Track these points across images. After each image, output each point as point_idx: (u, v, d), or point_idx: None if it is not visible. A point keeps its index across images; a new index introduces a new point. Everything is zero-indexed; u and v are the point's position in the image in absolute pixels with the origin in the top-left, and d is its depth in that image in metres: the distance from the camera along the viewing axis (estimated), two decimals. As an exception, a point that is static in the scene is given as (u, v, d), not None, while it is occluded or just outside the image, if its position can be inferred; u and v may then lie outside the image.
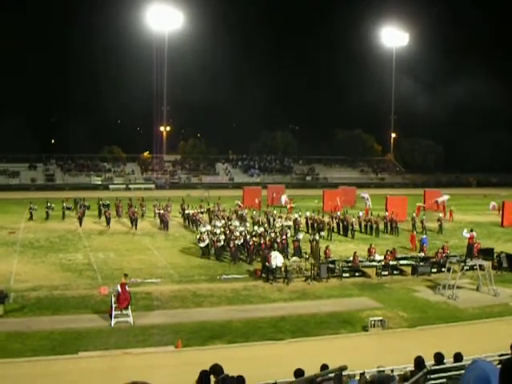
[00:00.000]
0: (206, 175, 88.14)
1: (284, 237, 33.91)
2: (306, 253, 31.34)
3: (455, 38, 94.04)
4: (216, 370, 8.78)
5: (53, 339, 19.65)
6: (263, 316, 22.80)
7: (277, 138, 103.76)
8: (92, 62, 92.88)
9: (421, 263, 30.48)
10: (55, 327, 20.81)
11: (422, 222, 43.09)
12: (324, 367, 10.32)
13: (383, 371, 11.96)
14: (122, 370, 17.21)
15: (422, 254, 32.07)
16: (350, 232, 41.32)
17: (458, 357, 11.46)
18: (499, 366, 3.81)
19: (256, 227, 36.67)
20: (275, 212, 45.20)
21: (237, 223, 38.41)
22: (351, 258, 30.04)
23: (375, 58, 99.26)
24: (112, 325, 21.07)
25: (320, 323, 22.11)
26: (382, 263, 29.83)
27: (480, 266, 27.63)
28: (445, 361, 11.26)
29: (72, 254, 34.23)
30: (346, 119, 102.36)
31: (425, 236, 35.64)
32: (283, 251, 32.32)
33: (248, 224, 39.25)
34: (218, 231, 34.87)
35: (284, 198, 52.93)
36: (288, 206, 49.78)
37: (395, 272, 29.99)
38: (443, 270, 28.53)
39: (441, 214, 46.06)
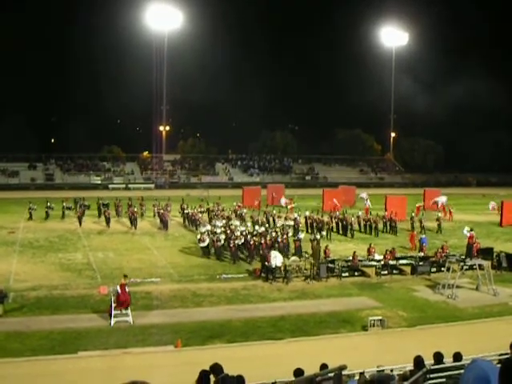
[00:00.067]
0: (205, 175, 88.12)
1: (285, 236, 33.91)
2: (306, 252, 31.38)
3: (455, 37, 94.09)
4: (216, 369, 8.79)
5: (52, 339, 19.65)
6: (263, 315, 22.80)
7: (276, 138, 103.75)
8: (92, 62, 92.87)
9: (420, 263, 30.49)
10: (54, 327, 20.80)
11: (420, 221, 43.12)
12: (323, 367, 10.32)
13: (383, 371, 11.96)
14: (122, 369, 17.21)
15: (422, 254, 32.10)
16: (349, 232, 41.34)
17: (457, 356, 11.47)
18: (499, 366, 3.81)
19: (257, 227, 36.69)
20: (275, 212, 45.19)
21: (237, 223, 38.43)
22: (351, 258, 30.05)
23: (375, 58, 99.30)
24: (111, 324, 21.07)
25: (319, 323, 22.11)
26: (382, 263, 29.84)
27: (479, 265, 27.64)
28: (444, 360, 11.27)
29: (71, 253, 34.23)
30: (346, 119, 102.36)
31: (424, 236, 35.66)
32: (284, 251, 32.34)
33: (249, 224, 39.22)
34: (218, 231, 34.89)
35: (284, 200, 52.97)
36: (289, 207, 49.76)
37: (395, 271, 30.00)
38: (443, 269, 28.55)
39: (440, 214, 46.05)
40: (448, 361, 11.41)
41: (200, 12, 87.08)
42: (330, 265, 29.25)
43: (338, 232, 42.20)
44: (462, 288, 27.14)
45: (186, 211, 45.20)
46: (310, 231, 40.03)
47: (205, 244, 33.43)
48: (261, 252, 30.97)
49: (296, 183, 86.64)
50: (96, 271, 29.72)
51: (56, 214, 46.91)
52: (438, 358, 11.20)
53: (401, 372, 11.11)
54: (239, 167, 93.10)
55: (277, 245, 32.85)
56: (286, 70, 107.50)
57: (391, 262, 30.09)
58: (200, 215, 43.58)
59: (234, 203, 48.84)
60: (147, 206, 48.37)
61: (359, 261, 30.06)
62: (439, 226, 43.41)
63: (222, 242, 33.22)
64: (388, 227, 43.29)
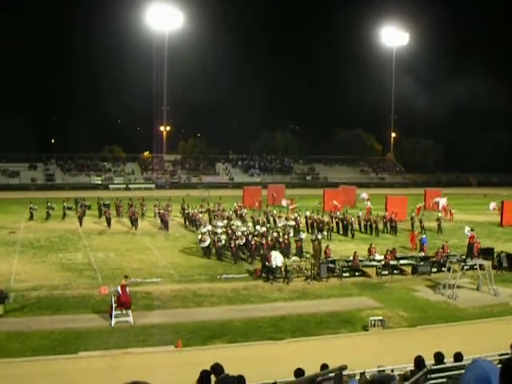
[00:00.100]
0: (206, 175, 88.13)
1: (286, 236, 33.93)
2: (307, 252, 31.39)
3: (455, 37, 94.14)
4: (217, 369, 8.80)
5: (53, 339, 19.65)
6: (263, 316, 22.80)
7: (277, 138, 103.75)
8: (92, 62, 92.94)
9: (421, 263, 30.49)
10: (55, 327, 20.81)
11: (420, 221, 43.16)
12: (324, 367, 10.33)
13: (383, 371, 11.96)
14: (122, 369, 17.22)
15: (422, 254, 32.10)
16: (349, 232, 41.34)
17: (458, 356, 11.46)
18: (499, 366, 3.81)
19: (258, 227, 36.69)
20: (275, 212, 45.18)
21: (239, 223, 38.44)
22: (351, 258, 30.05)
23: (375, 58, 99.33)
24: (112, 324, 21.07)
25: (320, 323, 22.11)
26: (382, 263, 29.84)
27: (480, 265, 27.65)
28: (445, 360, 11.26)
29: (72, 253, 34.24)
30: (346, 119, 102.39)
31: (424, 236, 35.65)
32: (285, 251, 32.36)
33: (250, 224, 39.21)
34: (219, 231, 34.90)
35: (285, 202, 53.07)
36: (290, 207, 49.76)
37: (395, 272, 30.00)
38: (443, 269, 28.55)
39: (440, 214, 46.03)
40: (449, 361, 11.40)
41: (200, 12, 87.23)
42: (330, 265, 29.24)
43: (338, 232, 42.21)
44: (462, 288, 27.13)
45: (186, 211, 45.23)
46: (310, 231, 40.07)
47: (206, 244, 33.43)
48: (262, 252, 30.96)
49: (297, 183, 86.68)
50: (97, 271, 29.73)
51: (57, 214, 46.92)
52: (439, 358, 11.19)
53: (401, 372, 11.11)
54: (240, 167, 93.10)
55: (278, 245, 32.87)
56: (286, 69, 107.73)
57: (392, 262, 30.08)
58: (200, 215, 43.59)
59: (235, 203, 48.84)
60: (148, 206, 48.36)
61: (360, 261, 30.05)
62: (439, 226, 43.42)
63: (223, 242, 33.23)
64: (388, 227, 43.29)
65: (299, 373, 10.12)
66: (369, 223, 43.02)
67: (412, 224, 43.59)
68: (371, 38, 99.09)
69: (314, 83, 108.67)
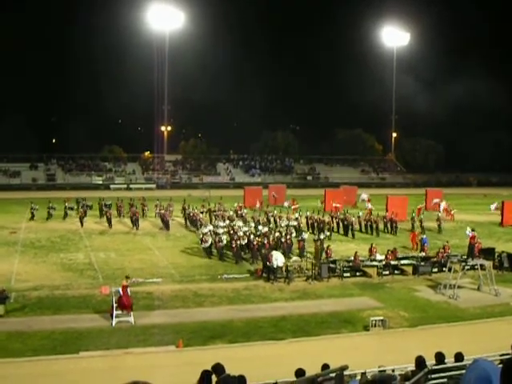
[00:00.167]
0: (207, 175, 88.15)
1: (289, 236, 33.93)
2: (310, 253, 31.39)
3: (455, 38, 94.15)
4: (217, 369, 8.82)
5: (54, 339, 19.67)
6: (264, 316, 22.80)
7: (278, 138, 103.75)
8: (92, 62, 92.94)
9: (422, 263, 30.48)
10: (56, 327, 20.82)
11: (420, 221, 43.21)
12: (325, 367, 10.34)
13: (384, 371, 11.96)
14: (123, 369, 17.23)
15: (423, 254, 32.10)
16: (350, 232, 41.34)
17: (458, 356, 11.47)
18: (500, 366, 3.82)
19: (260, 227, 36.73)
20: (275, 212, 45.18)
21: (240, 223, 38.46)
22: (352, 258, 30.05)
23: (376, 58, 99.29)
24: (113, 324, 21.09)
25: (321, 323, 22.11)
26: (383, 263, 29.84)
27: (481, 265, 27.63)
28: (446, 360, 11.27)
29: (73, 253, 34.26)
30: (347, 119, 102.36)
31: (425, 236, 35.64)
32: (287, 251, 32.39)
33: (252, 224, 39.23)
34: (220, 231, 34.91)
35: (287, 204, 53.30)
36: (292, 207, 49.85)
37: (396, 272, 29.99)
38: (444, 269, 28.57)
39: (440, 214, 46.00)
40: (449, 361, 11.40)
41: (201, 12, 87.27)
42: (331, 265, 29.24)
43: (338, 232, 42.21)
44: (463, 288, 27.13)
45: (187, 211, 45.25)
46: (310, 231, 40.09)
47: (207, 244, 33.44)
48: (263, 251, 30.94)
49: (297, 183, 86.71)
50: (97, 271, 29.75)
51: (58, 214, 46.91)
52: (440, 358, 11.20)
53: (402, 372, 11.11)
54: (241, 167, 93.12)
55: (280, 245, 32.88)
56: (286, 69, 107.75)
57: (393, 262, 30.09)
58: (201, 215, 43.61)
59: (236, 204, 48.87)
60: (149, 206, 48.36)
61: (361, 261, 30.06)
62: (439, 226, 43.41)
63: (225, 242, 33.23)
64: (388, 227, 43.28)
65: (300, 373, 10.13)
66: (369, 223, 43.02)
67: (412, 224, 43.60)
68: (371, 38, 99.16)
69: (314, 83, 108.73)
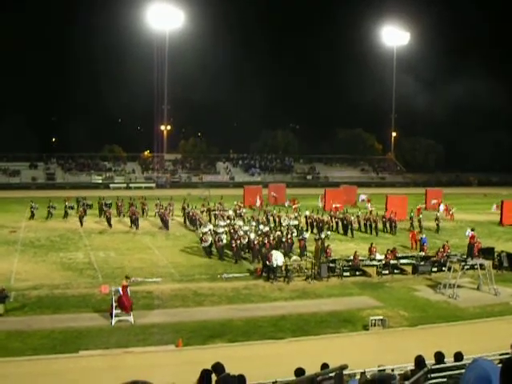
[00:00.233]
0: (206, 174, 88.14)
1: (289, 236, 33.93)
2: (311, 252, 31.40)
3: (455, 37, 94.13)
4: (217, 368, 8.82)
5: (53, 338, 19.67)
6: (264, 315, 22.82)
7: (277, 137, 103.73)
8: (92, 62, 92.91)
9: (421, 262, 30.49)
10: (56, 326, 20.82)
11: (419, 221, 43.27)
12: (324, 366, 10.34)
13: (384, 370, 11.97)
14: (123, 368, 17.23)
15: (423, 254, 32.11)
16: (349, 231, 41.36)
17: (458, 356, 11.48)
18: (500, 366, 3.81)
19: (261, 226, 36.76)
20: (275, 211, 45.19)
21: (241, 223, 38.46)
22: (352, 257, 30.06)
23: (376, 58, 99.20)
24: (113, 324, 21.10)
25: (320, 322, 22.12)
26: (383, 262, 29.84)
27: (481, 265, 27.66)
28: (445, 360, 11.28)
29: (73, 252, 34.26)
30: (347, 118, 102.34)
31: (424, 236, 35.66)
32: (288, 250, 32.40)
33: (253, 223, 39.26)
34: (220, 230, 34.92)
35: (288, 204, 53.42)
36: (293, 206, 49.96)
37: (396, 271, 30.02)
38: (444, 269, 28.59)
39: (439, 214, 45.98)
40: (449, 360, 11.41)
41: (201, 12, 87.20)
42: (331, 264, 29.25)
43: (337, 231, 42.21)
44: (463, 288, 27.15)
45: (186, 211, 45.26)
46: (309, 230, 40.08)
47: (207, 244, 33.43)
48: (263, 251, 30.94)
49: (297, 183, 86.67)
50: (97, 270, 29.75)
51: (58, 213, 46.88)
52: (439, 357, 11.21)
53: (402, 372, 11.12)
54: (240, 167, 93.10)
55: (282, 244, 32.90)
56: (286, 69, 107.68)
57: (392, 262, 30.10)
58: (200, 215, 43.63)
59: (235, 202, 48.90)
60: (149, 205, 48.35)
61: (360, 260, 30.07)
62: (438, 225, 43.42)
63: (225, 241, 33.23)
64: (388, 227, 43.26)
65: (300, 372, 10.13)
66: (368, 223, 43.02)
67: (411, 224, 43.65)
68: (371, 38, 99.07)
69: (314, 83, 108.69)
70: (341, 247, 36.44)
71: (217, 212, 44.70)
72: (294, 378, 10.04)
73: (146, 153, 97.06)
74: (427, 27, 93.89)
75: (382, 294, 26.26)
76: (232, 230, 34.79)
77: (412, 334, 21.03)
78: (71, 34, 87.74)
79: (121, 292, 21.67)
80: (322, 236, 33.73)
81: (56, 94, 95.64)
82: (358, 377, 11.06)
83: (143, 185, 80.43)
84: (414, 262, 30.62)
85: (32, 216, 46.11)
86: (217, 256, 33.05)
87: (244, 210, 46.37)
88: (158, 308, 23.46)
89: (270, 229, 36.50)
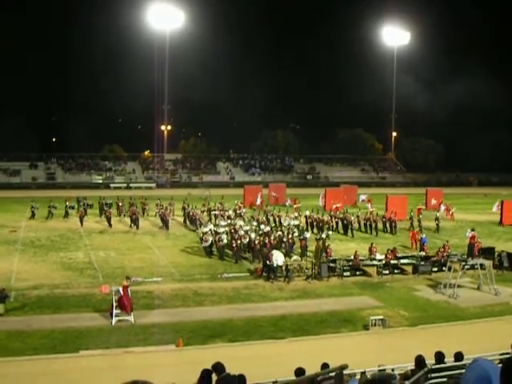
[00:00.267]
0: (206, 174, 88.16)
1: (290, 236, 33.93)
2: (311, 252, 31.41)
3: (455, 37, 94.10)
4: (218, 368, 8.83)
5: (53, 338, 19.67)
6: (264, 315, 22.82)
7: (277, 137, 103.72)
8: (92, 62, 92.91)
9: (422, 262, 30.49)
10: (56, 326, 20.83)
11: (419, 221, 43.29)
12: (325, 366, 10.35)
13: (384, 370, 11.97)
14: (123, 368, 17.23)
15: (423, 253, 32.11)
16: (349, 231, 41.37)
17: (458, 356, 11.48)
18: (500, 366, 3.81)
19: (262, 226, 36.77)
20: (275, 212, 45.19)
21: (242, 222, 38.46)
22: (352, 257, 30.06)
23: (376, 57, 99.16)
24: (113, 323, 21.10)
25: (321, 322, 22.12)
26: (383, 262, 29.84)
27: (481, 265, 27.65)
28: (445, 360, 11.28)
29: (73, 252, 34.26)
30: (347, 118, 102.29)
31: (424, 235, 35.65)
32: (289, 250, 32.41)
33: (255, 223, 39.28)
34: (221, 230, 34.91)
35: (289, 202, 53.39)
36: (294, 206, 49.99)
37: (396, 271, 30.02)
38: (444, 269, 28.58)
39: (438, 214, 45.95)
40: (449, 360, 11.41)
41: (201, 12, 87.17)
42: (331, 264, 29.25)
43: (337, 231, 42.21)
44: (463, 287, 27.16)
45: (186, 210, 45.27)
46: (309, 230, 40.07)
47: (207, 244, 33.43)
48: (264, 251, 30.94)
49: (297, 183, 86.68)
50: (97, 270, 29.75)
51: (59, 213, 46.88)
52: (439, 357, 11.21)
53: (402, 371, 11.12)
54: (241, 166, 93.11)
55: (283, 244, 32.89)
56: (286, 69, 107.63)
57: (392, 262, 30.10)
58: (200, 215, 43.63)
59: (236, 201, 48.95)
60: (150, 205, 48.38)
61: (360, 260, 30.07)
62: (437, 225, 43.40)
63: (225, 241, 33.23)
64: (387, 227, 43.25)
65: (300, 372, 10.13)
66: (368, 223, 43.01)
67: (411, 223, 43.66)
68: (372, 38, 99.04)
69: (314, 83, 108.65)
70: (341, 247, 36.45)
71: (217, 212, 44.74)
72: (294, 377, 10.04)
73: (147, 153, 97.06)
74: (427, 27, 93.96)
75: (382, 294, 26.26)
76: (233, 230, 34.80)
77: (412, 334, 21.03)
78: (71, 34, 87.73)
79: (121, 292, 21.67)
80: (324, 236, 33.74)
81: (56, 94, 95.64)
82: (358, 377, 11.06)
83: (143, 185, 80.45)
84: (414, 261, 30.62)
85: (32, 216, 46.11)
86: (217, 256, 33.06)
87: (244, 210, 46.37)
88: (159, 308, 23.46)
89: (271, 228, 36.50)
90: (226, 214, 43.33)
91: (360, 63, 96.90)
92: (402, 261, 30.78)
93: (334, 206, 48.06)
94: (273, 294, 25.98)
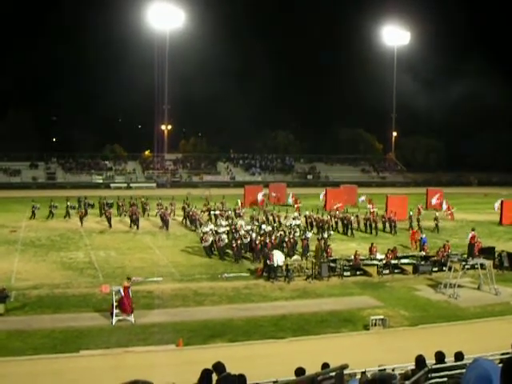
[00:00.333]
0: (207, 174, 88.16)
1: (292, 235, 33.93)
2: (313, 251, 31.43)
3: (456, 37, 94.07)
4: (218, 368, 8.83)
5: (54, 337, 19.67)
6: (264, 314, 22.82)
7: (278, 137, 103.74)
8: (92, 61, 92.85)
9: (422, 262, 30.49)
10: (56, 325, 20.83)
11: (418, 220, 43.29)
12: (325, 366, 10.34)
13: (384, 370, 11.96)
14: (123, 368, 17.23)
15: (423, 253, 32.10)
16: (349, 231, 41.37)
17: (458, 356, 11.48)
18: (500, 365, 3.81)
19: (264, 226, 36.76)
20: (275, 211, 45.20)
21: (243, 222, 38.47)
22: (352, 257, 30.05)
23: (376, 57, 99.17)
24: (113, 323, 21.09)
25: (321, 322, 22.12)
26: (383, 262, 29.84)
27: (481, 264, 27.63)
28: (446, 360, 11.27)
29: (73, 252, 34.26)
30: (347, 118, 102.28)
31: (424, 235, 35.63)
32: (290, 250, 32.41)
33: (256, 223, 39.26)
34: (221, 230, 34.91)
35: (290, 198, 53.36)
36: (296, 205, 49.97)
37: (396, 271, 30.00)
38: (444, 269, 28.57)
39: (437, 213, 45.89)
40: (449, 360, 11.40)
41: (201, 12, 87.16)
42: (331, 264, 29.24)
43: (337, 231, 42.19)
44: (463, 287, 27.14)
45: (186, 210, 45.28)
46: (312, 230, 40.08)
47: (208, 243, 33.43)
48: (265, 250, 30.92)
49: (298, 182, 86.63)
50: (98, 270, 29.76)
51: (59, 212, 46.88)
52: (440, 357, 11.20)
53: (402, 371, 11.12)
54: (241, 166, 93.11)
55: (285, 244, 32.89)
56: (286, 69, 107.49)
57: (393, 262, 30.09)
58: (200, 215, 43.63)
59: (238, 200, 49.00)
60: (151, 205, 48.37)
61: (361, 260, 30.06)
62: (437, 225, 43.39)
63: (226, 241, 33.22)
64: (387, 227, 43.23)
65: (300, 372, 10.13)
66: (368, 223, 43.01)
67: (410, 223, 43.66)
68: (372, 38, 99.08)
69: (315, 83, 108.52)
70: (341, 247, 36.44)
71: (217, 212, 44.74)
72: (294, 377, 10.04)
73: (147, 152, 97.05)
74: (427, 27, 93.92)
75: (382, 294, 26.26)
76: (233, 230, 34.78)
77: (412, 334, 21.03)
78: (71, 33, 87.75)
79: (122, 293, 21.62)
80: (325, 236, 33.72)
81: (57, 93, 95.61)
82: (358, 376, 11.06)
83: (144, 184, 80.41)
84: (414, 261, 30.62)
85: (33, 216, 46.10)
86: (217, 255, 33.05)
87: (243, 210, 46.38)
88: (159, 307, 23.45)
89: (273, 228, 36.53)
90: (226, 214, 43.34)
91: (360, 63, 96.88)
92: (403, 261, 30.77)
93: (335, 207, 48.07)
94: (273, 294, 25.98)
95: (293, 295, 25.88)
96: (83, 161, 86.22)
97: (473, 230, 34.85)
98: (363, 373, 11.58)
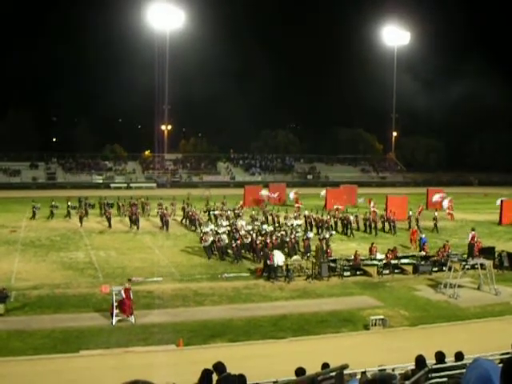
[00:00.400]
0: (207, 174, 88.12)
1: (293, 236, 33.93)
2: (312, 251, 31.43)
3: (456, 37, 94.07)
4: (218, 368, 8.83)
5: (54, 337, 19.68)
6: (264, 314, 22.82)
7: (278, 137, 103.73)
8: (93, 61, 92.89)
9: (422, 262, 30.49)
10: (56, 325, 20.83)
11: (417, 220, 43.29)
12: (325, 366, 10.34)
13: (384, 370, 11.96)
14: (124, 368, 17.22)
15: (423, 253, 32.09)
16: (349, 231, 41.37)
17: (459, 356, 11.48)
18: (501, 365, 3.81)
19: (265, 226, 36.76)
20: (274, 211, 45.19)
21: (243, 222, 38.46)
22: (352, 257, 30.05)
23: (376, 57, 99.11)
24: (113, 323, 21.10)
25: (321, 322, 22.12)
26: (383, 262, 29.84)
27: (481, 264, 27.63)
28: (446, 360, 11.26)
29: (73, 252, 34.26)
30: (347, 118, 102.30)
31: (424, 235, 35.62)
32: (292, 250, 32.41)
33: (257, 223, 39.26)
34: (221, 230, 34.90)
35: (292, 195, 53.51)
36: (296, 205, 49.99)
37: (396, 271, 30.00)
38: (444, 268, 28.56)
39: (436, 213, 45.81)
40: (450, 360, 11.40)
41: (201, 12, 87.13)
42: (331, 264, 29.25)
43: (337, 231, 42.15)
44: (463, 287, 27.14)
45: (186, 210, 45.27)
46: (312, 230, 40.06)
47: (207, 243, 33.42)
48: (265, 250, 30.91)
49: (298, 182, 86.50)
50: (98, 270, 29.76)
51: (60, 212, 46.87)
52: (440, 357, 11.20)
53: (402, 371, 11.12)
54: (241, 166, 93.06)
55: (286, 244, 32.88)
56: (286, 69, 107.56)
57: (393, 262, 30.09)
58: (199, 215, 43.63)
59: (241, 202, 49.02)
60: (151, 205, 48.36)
61: (361, 260, 30.06)
62: (435, 225, 43.37)
63: (226, 241, 33.21)
64: (387, 227, 43.22)
65: (300, 372, 10.13)
66: (368, 223, 42.99)
67: (409, 223, 43.65)
68: (372, 38, 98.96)
69: (315, 83, 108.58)
70: (341, 247, 36.44)
71: (216, 212, 44.73)
72: (294, 377, 10.03)
73: (147, 152, 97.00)
74: (427, 27, 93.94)
75: (382, 294, 26.26)
76: (234, 230, 34.78)
77: (413, 334, 21.03)
78: (71, 33, 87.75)
79: (123, 295, 21.58)
80: (327, 236, 33.71)
81: (57, 93, 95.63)
82: (358, 376, 11.05)
83: (144, 184, 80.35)
84: (414, 261, 30.62)
85: (33, 216, 46.10)
86: (217, 256, 33.04)
87: (243, 210, 46.39)
88: (159, 308, 23.45)
89: (274, 228, 36.52)
90: (226, 214, 43.33)
91: (360, 63, 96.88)
92: (403, 261, 30.77)
93: (335, 207, 48.06)
94: (273, 294, 25.98)
95: (293, 295, 25.88)
96: (83, 161, 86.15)
97: (473, 229, 34.83)
98: (363, 373, 11.58)
